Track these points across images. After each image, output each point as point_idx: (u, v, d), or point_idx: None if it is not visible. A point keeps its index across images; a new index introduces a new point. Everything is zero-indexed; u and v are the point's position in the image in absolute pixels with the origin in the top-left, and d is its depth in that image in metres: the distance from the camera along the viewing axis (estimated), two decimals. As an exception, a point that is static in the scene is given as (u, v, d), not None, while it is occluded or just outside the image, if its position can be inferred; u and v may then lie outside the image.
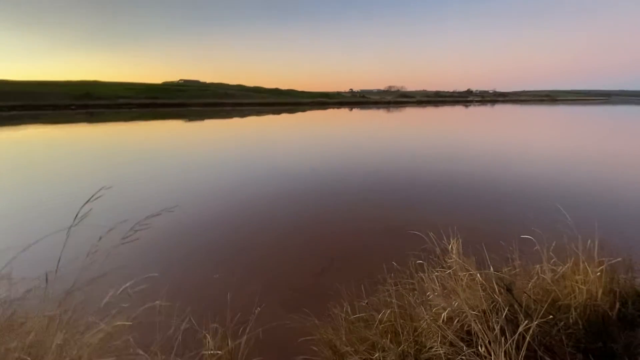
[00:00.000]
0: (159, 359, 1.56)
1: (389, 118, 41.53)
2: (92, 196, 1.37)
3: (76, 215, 1.34)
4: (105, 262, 1.45)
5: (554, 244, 2.13)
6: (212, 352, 1.74)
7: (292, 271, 4.44)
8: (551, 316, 1.82)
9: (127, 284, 1.39)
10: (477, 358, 1.47)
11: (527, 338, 1.59)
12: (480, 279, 1.89)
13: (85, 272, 1.32)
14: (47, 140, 19.00)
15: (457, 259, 1.96)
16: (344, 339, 1.96)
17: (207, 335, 1.73)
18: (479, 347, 1.45)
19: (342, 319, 2.17)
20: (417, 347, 1.65)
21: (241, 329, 1.86)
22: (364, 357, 1.81)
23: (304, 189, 8.53)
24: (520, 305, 1.80)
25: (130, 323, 1.38)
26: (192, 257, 4.88)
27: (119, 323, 1.33)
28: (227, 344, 1.81)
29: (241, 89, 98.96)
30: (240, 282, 3.72)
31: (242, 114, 43.72)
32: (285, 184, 9.08)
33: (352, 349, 1.88)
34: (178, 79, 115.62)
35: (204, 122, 33.85)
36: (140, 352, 1.59)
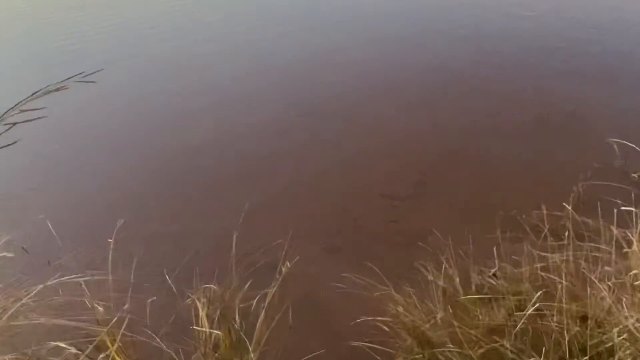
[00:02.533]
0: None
1: None
2: None
3: None
4: None
5: None
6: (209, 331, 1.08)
7: (352, 197, 2.39)
8: None
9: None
10: None
11: None
12: None
13: None
14: None
15: None
16: (445, 337, 1.04)
17: (197, 301, 1.06)
18: None
19: (438, 294, 1.23)
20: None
21: (258, 296, 1.13)
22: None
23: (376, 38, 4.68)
24: None
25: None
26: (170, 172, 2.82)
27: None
28: (231, 328, 1.11)
29: None
30: (256, 213, 2.07)
31: None
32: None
33: (460, 354, 0.96)
34: None
35: None
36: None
